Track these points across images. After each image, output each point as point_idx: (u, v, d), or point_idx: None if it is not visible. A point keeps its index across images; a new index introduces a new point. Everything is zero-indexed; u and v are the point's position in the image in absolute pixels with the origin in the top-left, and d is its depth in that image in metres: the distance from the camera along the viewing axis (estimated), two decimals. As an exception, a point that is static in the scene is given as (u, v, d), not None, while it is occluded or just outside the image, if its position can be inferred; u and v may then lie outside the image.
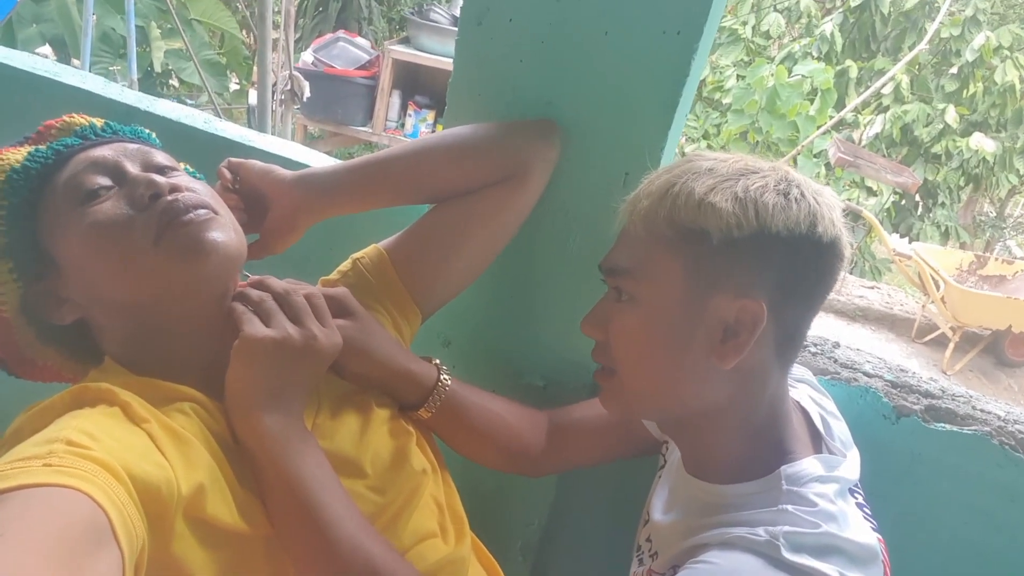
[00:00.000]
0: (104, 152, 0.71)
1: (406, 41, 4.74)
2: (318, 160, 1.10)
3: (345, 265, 0.89)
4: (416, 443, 0.80)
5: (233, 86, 5.26)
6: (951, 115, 6.14)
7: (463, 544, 0.81)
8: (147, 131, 0.80)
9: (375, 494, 0.73)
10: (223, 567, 0.62)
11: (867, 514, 0.68)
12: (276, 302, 0.72)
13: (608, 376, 0.73)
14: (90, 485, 0.52)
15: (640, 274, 0.68)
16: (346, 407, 0.77)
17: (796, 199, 0.64)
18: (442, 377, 0.84)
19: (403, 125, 4.84)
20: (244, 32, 5.18)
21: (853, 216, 5.37)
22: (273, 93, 3.35)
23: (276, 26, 3.38)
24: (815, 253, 0.64)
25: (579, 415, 0.94)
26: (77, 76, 1.26)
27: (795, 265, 0.64)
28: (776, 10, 6.49)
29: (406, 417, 0.83)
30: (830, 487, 0.65)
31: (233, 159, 0.85)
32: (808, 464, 0.67)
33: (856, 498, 0.68)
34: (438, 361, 0.86)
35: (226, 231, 0.70)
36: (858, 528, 0.63)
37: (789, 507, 0.63)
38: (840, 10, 6.52)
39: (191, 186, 0.70)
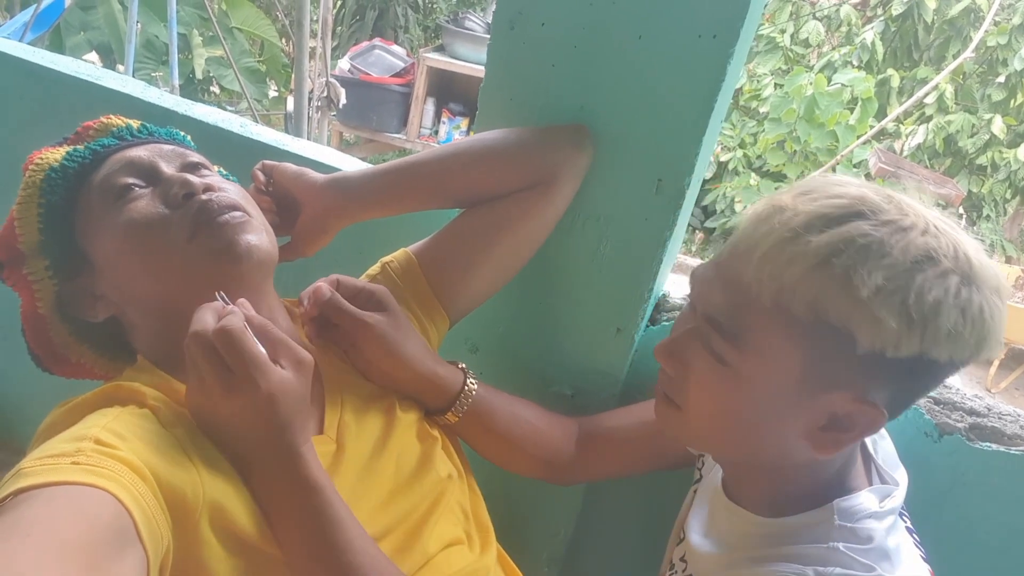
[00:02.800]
0: (140, 152, 0.72)
1: (441, 49, 4.78)
2: (351, 164, 1.10)
3: (374, 269, 0.89)
4: (442, 448, 0.80)
5: (272, 93, 5.35)
6: (998, 125, 5.97)
7: (488, 553, 0.80)
8: (182, 133, 0.81)
9: (400, 498, 0.73)
10: None
11: (917, 541, 0.65)
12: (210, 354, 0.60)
13: (671, 406, 0.66)
14: (116, 485, 0.52)
15: (746, 346, 0.58)
16: (371, 409, 0.77)
17: (974, 319, 0.53)
18: (469, 381, 0.83)
19: (437, 132, 4.87)
20: (283, 40, 5.27)
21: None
22: (310, 100, 3.40)
23: (313, 34, 3.44)
24: (954, 371, 0.57)
25: (610, 424, 0.92)
26: (118, 80, 1.28)
27: (931, 384, 0.59)
28: (815, 18, 6.39)
29: (432, 422, 0.83)
30: (885, 522, 0.61)
31: (267, 162, 0.86)
32: (864, 499, 0.62)
33: (905, 522, 0.65)
34: (464, 366, 0.85)
35: (259, 234, 0.70)
36: (911, 565, 0.60)
37: (841, 545, 0.59)
38: (881, 18, 6.40)
39: (224, 187, 0.71)
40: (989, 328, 0.54)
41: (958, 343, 0.53)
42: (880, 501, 0.63)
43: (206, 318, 0.61)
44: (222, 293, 0.65)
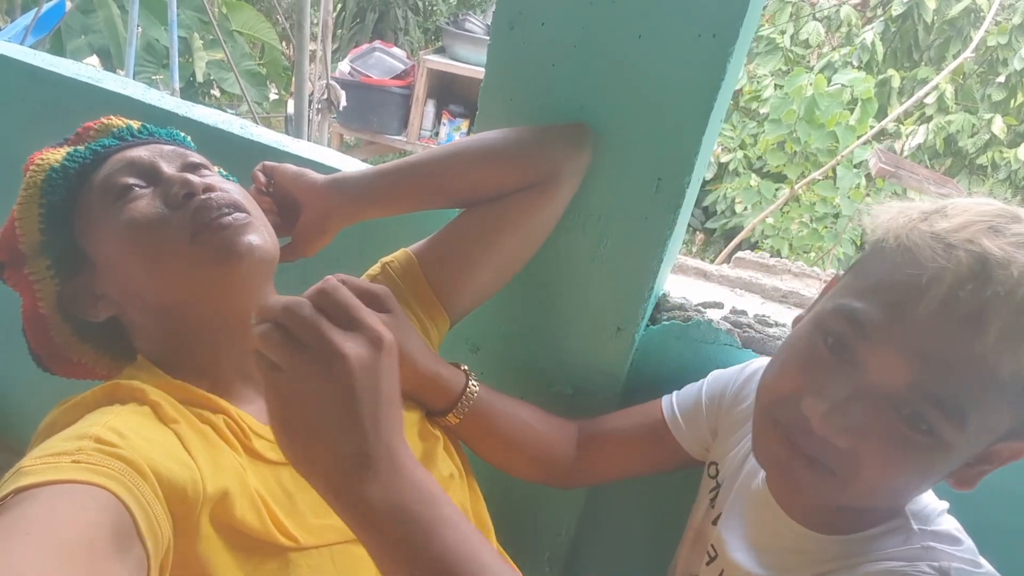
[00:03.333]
0: (140, 152, 0.72)
1: (441, 51, 4.78)
2: (350, 165, 1.10)
3: (374, 269, 0.89)
4: (443, 447, 0.80)
5: (272, 96, 5.36)
6: (998, 125, 5.97)
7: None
8: (182, 134, 0.81)
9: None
10: (248, 574, 0.62)
11: None
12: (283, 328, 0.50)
13: (823, 474, 0.59)
14: (116, 484, 0.52)
15: (967, 421, 0.53)
16: None
17: None
18: (471, 383, 0.83)
19: (437, 134, 4.87)
20: (284, 43, 5.28)
21: (894, 228, 5.24)
22: (310, 103, 3.40)
23: (314, 37, 3.44)
24: None
25: (610, 427, 0.91)
26: (118, 82, 1.29)
27: None
28: (815, 19, 6.39)
29: (433, 422, 0.82)
30: (954, 521, 0.62)
31: (267, 163, 0.86)
32: (928, 499, 0.63)
33: None
34: (466, 367, 0.85)
35: (260, 233, 0.70)
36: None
37: (936, 545, 0.59)
38: (881, 19, 6.40)
39: (224, 186, 0.71)
40: None
41: None
42: (939, 503, 0.63)
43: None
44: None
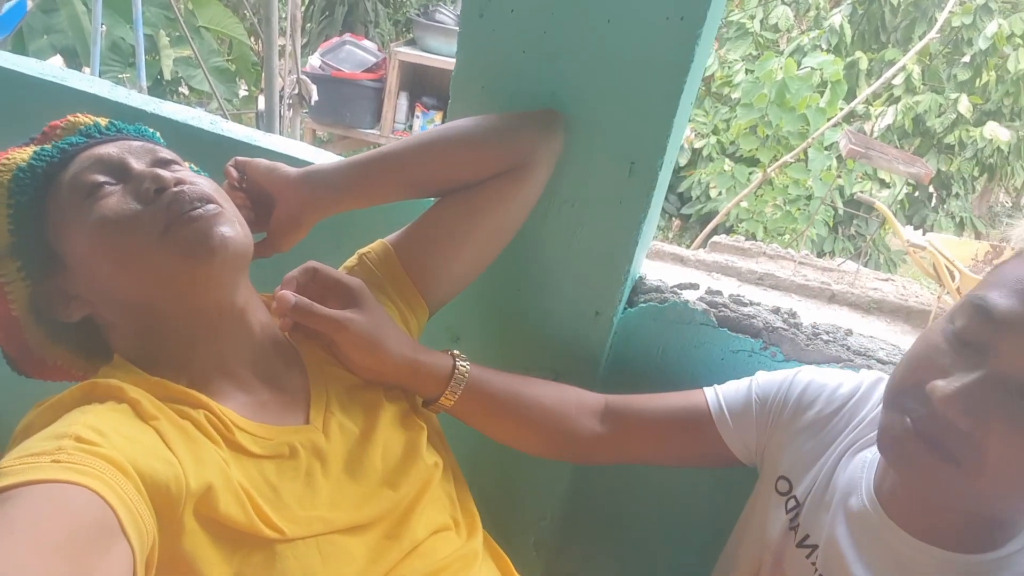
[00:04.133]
0: (109, 149, 0.71)
1: (412, 43, 4.76)
2: (323, 158, 1.10)
3: (351, 260, 0.89)
4: (428, 438, 0.80)
5: (242, 92, 5.29)
6: (964, 104, 6.07)
7: (475, 539, 0.80)
8: (151, 130, 0.80)
9: (388, 488, 0.73)
10: (236, 567, 0.62)
11: None
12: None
13: (946, 462, 0.57)
14: (99, 482, 0.52)
15: None
16: (356, 400, 0.77)
17: None
18: (459, 364, 0.82)
19: (411, 127, 4.85)
20: (252, 38, 5.21)
21: (867, 208, 5.33)
22: (281, 98, 3.36)
23: (283, 32, 3.40)
24: None
25: (645, 407, 0.87)
26: (84, 80, 1.27)
27: None
28: (784, 3, 6.45)
29: (419, 412, 0.83)
30: None
31: (239, 158, 0.85)
32: None
33: None
34: (457, 352, 0.85)
35: (233, 226, 0.70)
36: None
37: None
38: (849, 2, 6.47)
39: (195, 180, 0.70)
40: None
41: None
42: None
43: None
44: None
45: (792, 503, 0.76)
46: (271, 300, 0.82)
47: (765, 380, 0.83)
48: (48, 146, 0.72)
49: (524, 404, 0.85)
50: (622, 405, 0.88)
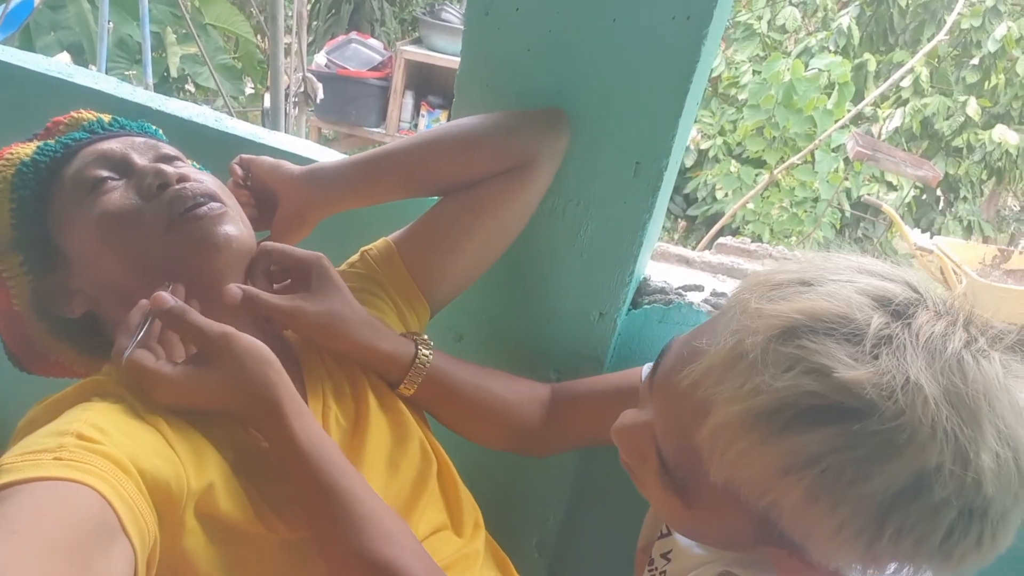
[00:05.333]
0: (112, 145, 0.72)
1: (418, 41, 4.75)
2: (328, 156, 1.10)
3: (354, 257, 0.89)
4: (424, 435, 0.80)
5: (248, 90, 5.30)
6: (972, 107, 6.04)
7: (476, 539, 0.80)
8: (154, 126, 0.80)
9: (385, 486, 0.73)
10: (235, 565, 0.62)
11: None
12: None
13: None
14: (100, 480, 0.52)
15: (696, 503, 0.58)
16: (350, 396, 0.77)
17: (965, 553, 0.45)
18: (421, 352, 0.80)
19: (416, 126, 4.85)
20: (258, 36, 5.21)
21: (874, 210, 5.30)
22: (287, 96, 3.36)
23: (288, 30, 3.40)
24: None
25: (585, 389, 0.88)
26: (90, 77, 1.27)
27: None
28: (791, 4, 6.42)
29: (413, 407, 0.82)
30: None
31: (244, 155, 0.85)
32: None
33: None
34: (426, 337, 0.82)
35: (236, 225, 0.70)
36: None
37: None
38: (857, 3, 6.44)
39: (199, 177, 0.70)
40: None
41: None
42: None
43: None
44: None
45: None
46: None
47: None
48: (51, 141, 0.72)
49: (482, 397, 0.84)
50: (566, 392, 0.89)
